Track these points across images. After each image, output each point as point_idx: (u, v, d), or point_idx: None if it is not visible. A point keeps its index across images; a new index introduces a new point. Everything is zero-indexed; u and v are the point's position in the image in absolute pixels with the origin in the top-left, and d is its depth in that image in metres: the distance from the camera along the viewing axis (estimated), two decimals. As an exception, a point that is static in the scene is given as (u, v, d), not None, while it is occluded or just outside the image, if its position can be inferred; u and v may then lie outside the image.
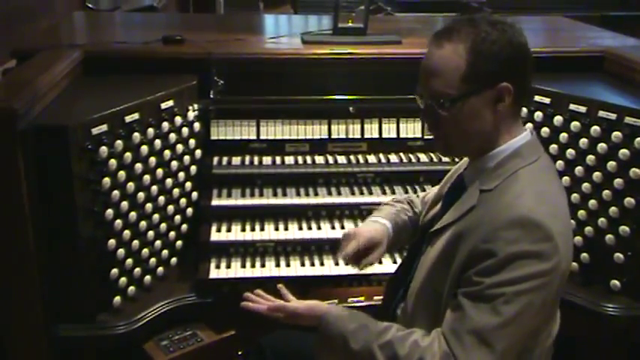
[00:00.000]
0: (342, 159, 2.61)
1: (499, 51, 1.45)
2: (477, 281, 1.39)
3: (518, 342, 1.41)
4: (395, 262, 2.36)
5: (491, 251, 1.38)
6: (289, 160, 2.58)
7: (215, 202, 2.45)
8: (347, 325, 1.50)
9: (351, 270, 2.32)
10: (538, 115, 2.35)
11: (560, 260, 1.41)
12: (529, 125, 2.29)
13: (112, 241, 2.07)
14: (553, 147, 2.31)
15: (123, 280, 2.14)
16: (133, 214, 2.15)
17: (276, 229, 2.43)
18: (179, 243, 2.40)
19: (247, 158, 2.57)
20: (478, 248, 1.41)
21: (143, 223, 2.21)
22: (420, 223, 1.84)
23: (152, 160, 2.21)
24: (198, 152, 2.45)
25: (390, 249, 1.91)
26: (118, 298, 2.12)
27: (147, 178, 2.19)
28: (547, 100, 2.33)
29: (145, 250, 2.23)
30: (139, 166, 2.15)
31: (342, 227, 2.44)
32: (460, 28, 1.48)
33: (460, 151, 1.67)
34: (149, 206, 2.22)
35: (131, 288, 2.18)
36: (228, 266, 2.32)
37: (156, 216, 2.27)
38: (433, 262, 1.55)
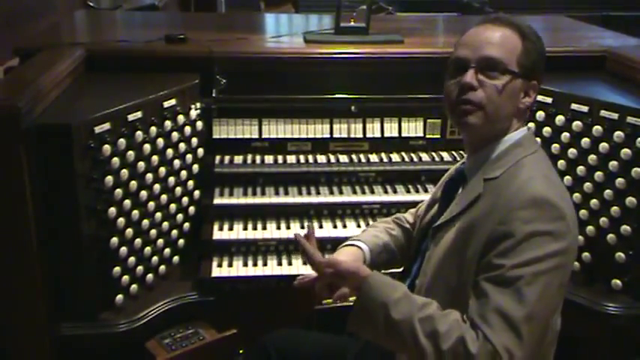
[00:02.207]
0: (343, 158, 2.61)
1: (539, 49, 1.59)
2: (497, 264, 1.41)
3: (542, 323, 1.44)
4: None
5: (509, 232, 1.41)
6: (291, 159, 2.58)
7: (217, 200, 2.45)
8: (391, 293, 1.44)
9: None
10: (540, 114, 2.36)
11: (572, 240, 1.46)
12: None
13: (114, 240, 2.08)
14: (555, 146, 2.32)
15: (125, 278, 2.14)
16: (135, 213, 2.15)
17: (278, 227, 2.43)
18: (181, 241, 2.40)
19: (249, 157, 2.57)
20: (495, 231, 1.44)
21: (145, 222, 2.21)
22: (418, 226, 1.84)
23: (155, 158, 2.21)
24: (200, 151, 2.46)
25: (372, 268, 1.83)
26: (120, 297, 2.12)
27: (149, 176, 2.20)
28: (549, 100, 2.33)
29: (148, 249, 2.24)
30: (141, 164, 2.15)
31: (344, 226, 2.45)
32: (505, 19, 1.58)
33: (485, 124, 1.56)
34: (151, 205, 2.23)
35: (133, 286, 2.18)
36: (230, 265, 2.32)
37: (158, 214, 2.27)
38: (443, 255, 1.56)
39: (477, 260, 1.47)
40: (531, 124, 2.35)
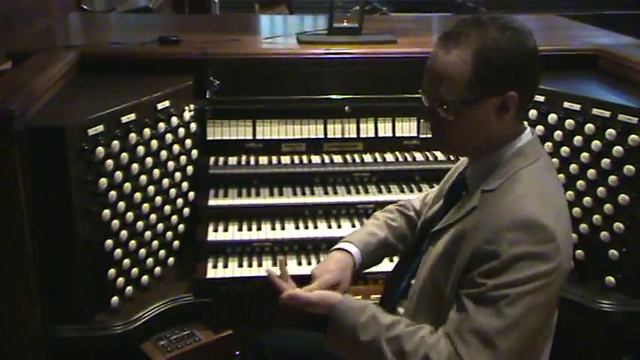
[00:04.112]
0: (338, 158, 2.61)
1: (506, 59, 1.43)
2: (480, 282, 1.40)
3: (522, 341, 1.42)
4: (391, 261, 2.37)
5: (495, 253, 1.39)
6: (285, 159, 2.58)
7: (212, 202, 2.45)
8: (358, 317, 1.49)
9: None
10: (533, 113, 2.37)
11: (562, 260, 1.42)
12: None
13: (109, 242, 2.08)
14: (547, 145, 2.32)
15: (120, 280, 2.15)
16: (129, 215, 2.15)
17: (273, 228, 2.43)
18: (176, 243, 2.40)
19: (244, 158, 2.57)
20: (481, 249, 1.42)
21: (140, 224, 2.21)
22: (422, 221, 1.82)
23: (149, 160, 2.21)
24: (194, 152, 2.46)
25: (365, 267, 1.88)
26: (115, 299, 2.12)
27: (143, 178, 2.20)
28: (541, 98, 2.34)
29: (142, 251, 2.24)
30: (135, 166, 2.15)
31: (339, 226, 2.45)
32: (469, 33, 1.45)
33: (461, 153, 1.70)
34: (146, 206, 2.23)
35: (129, 288, 2.18)
36: (226, 266, 2.32)
37: (153, 216, 2.27)
38: (435, 261, 1.56)
39: (461, 272, 1.46)
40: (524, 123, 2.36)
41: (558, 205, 1.50)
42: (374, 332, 1.46)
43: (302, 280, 2.29)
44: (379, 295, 1.95)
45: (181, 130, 2.37)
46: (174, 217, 2.38)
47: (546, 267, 1.39)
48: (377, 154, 2.64)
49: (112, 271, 2.11)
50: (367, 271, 2.29)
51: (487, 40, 1.43)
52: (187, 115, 2.40)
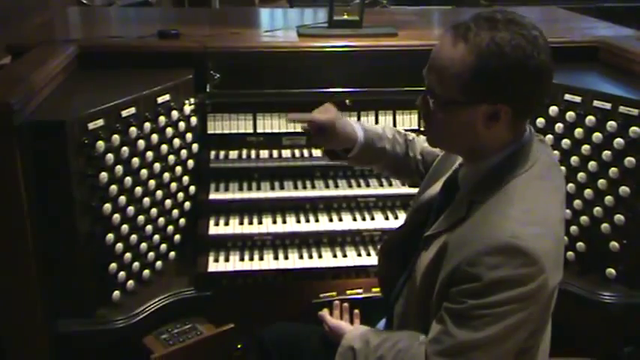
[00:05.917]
0: (338, 151, 2.61)
1: (507, 71, 1.36)
2: (460, 300, 1.40)
3: (498, 357, 1.41)
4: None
5: (475, 275, 1.37)
6: (286, 153, 2.58)
7: (213, 195, 2.45)
8: (356, 345, 1.63)
9: (349, 262, 2.35)
10: (533, 105, 2.36)
11: (547, 277, 1.38)
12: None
13: (110, 236, 2.08)
14: (548, 137, 2.32)
15: (122, 274, 2.15)
16: (130, 209, 2.15)
17: (274, 222, 2.44)
18: (177, 237, 2.41)
19: (244, 152, 2.57)
20: (462, 270, 1.40)
21: (141, 218, 2.21)
22: (418, 204, 1.79)
23: (149, 154, 2.21)
24: (195, 146, 2.45)
25: (352, 158, 1.92)
26: (117, 293, 2.13)
27: (144, 172, 2.20)
28: (542, 91, 2.33)
29: (144, 245, 2.24)
30: (136, 160, 2.15)
31: (340, 220, 2.46)
32: (479, 30, 1.37)
33: (446, 149, 1.67)
34: (147, 200, 2.23)
35: (130, 282, 2.19)
36: (227, 260, 2.33)
37: (154, 210, 2.27)
38: (425, 269, 1.56)
39: (444, 285, 1.46)
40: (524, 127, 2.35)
41: (546, 219, 1.43)
42: (365, 354, 1.59)
43: (303, 274, 2.32)
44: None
45: (182, 124, 2.36)
46: (175, 211, 2.39)
47: (526, 289, 1.36)
48: (378, 147, 2.63)
49: (113, 266, 2.11)
50: (368, 264, 2.33)
51: (493, 45, 1.36)
52: (187, 108, 2.40)
